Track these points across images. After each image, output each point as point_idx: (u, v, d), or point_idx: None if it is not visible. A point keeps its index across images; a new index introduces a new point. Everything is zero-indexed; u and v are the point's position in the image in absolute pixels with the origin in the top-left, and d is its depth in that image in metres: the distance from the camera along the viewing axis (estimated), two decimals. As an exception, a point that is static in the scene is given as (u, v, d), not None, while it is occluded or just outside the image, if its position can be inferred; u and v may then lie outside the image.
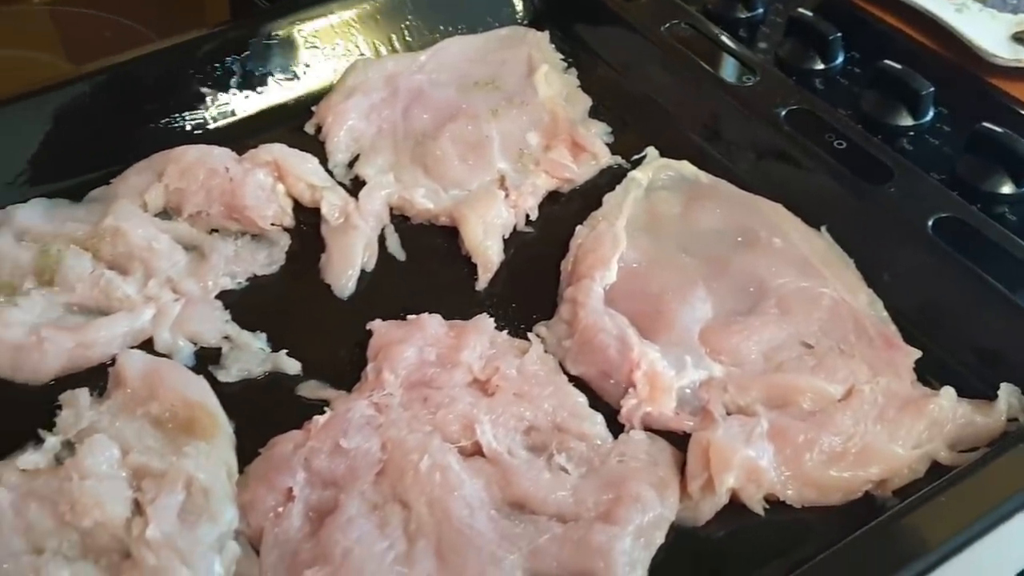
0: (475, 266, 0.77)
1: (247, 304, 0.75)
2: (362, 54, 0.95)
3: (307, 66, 0.93)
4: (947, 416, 0.62)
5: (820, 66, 0.93)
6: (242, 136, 0.86)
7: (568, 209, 0.82)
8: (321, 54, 0.93)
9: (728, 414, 0.64)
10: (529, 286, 0.76)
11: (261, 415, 0.67)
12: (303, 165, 0.82)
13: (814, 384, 0.64)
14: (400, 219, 0.81)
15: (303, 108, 0.90)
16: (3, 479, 0.61)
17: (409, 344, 0.68)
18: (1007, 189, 0.80)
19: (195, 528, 0.59)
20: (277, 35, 0.91)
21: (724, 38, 0.89)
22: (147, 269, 0.75)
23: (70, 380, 0.69)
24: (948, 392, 0.63)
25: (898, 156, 0.77)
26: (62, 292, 0.73)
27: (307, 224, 0.81)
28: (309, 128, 0.89)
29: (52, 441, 0.64)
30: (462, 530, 0.58)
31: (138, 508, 0.60)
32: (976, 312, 0.68)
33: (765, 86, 0.83)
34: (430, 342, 0.68)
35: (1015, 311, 0.67)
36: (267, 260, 0.78)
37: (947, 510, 0.55)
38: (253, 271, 0.77)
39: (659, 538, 0.59)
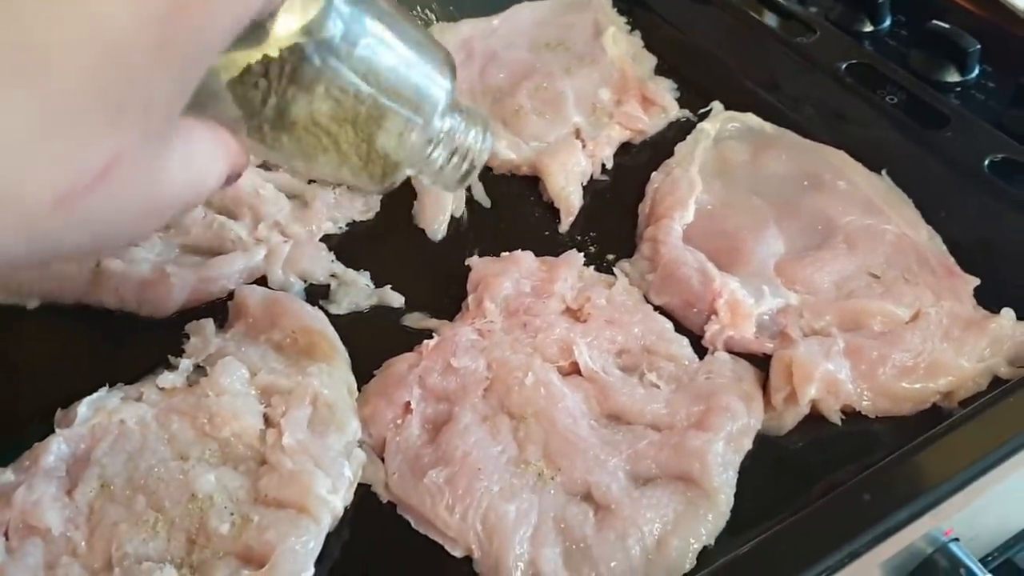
0: (555, 212, 0.83)
1: (348, 246, 0.81)
2: (436, 21, 1.00)
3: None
4: (1007, 334, 0.68)
5: (869, 28, 0.99)
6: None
7: (639, 159, 0.88)
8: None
9: (805, 336, 0.70)
10: (607, 229, 0.82)
11: (371, 343, 0.72)
12: (392, 120, 0.88)
13: (883, 308, 0.70)
14: (484, 169, 0.87)
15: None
16: (145, 396, 0.67)
17: (506, 277, 0.74)
18: (1051, 141, 0.86)
19: (324, 437, 0.65)
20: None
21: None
22: (255, 214, 0.81)
23: (189, 314, 0.75)
24: (1008, 313, 0.69)
25: (954, 104, 0.82)
26: (178, 235, 0.79)
27: (395, 176, 0.87)
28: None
29: (185, 364, 0.69)
30: (567, 436, 0.64)
31: (268, 421, 0.66)
32: (1029, 245, 0.73)
33: (824, 42, 0.88)
34: (525, 275, 0.74)
35: (1066, 243, 0.72)
36: (364, 207, 0.84)
37: (1004, 416, 0.61)
38: (352, 216, 0.83)
39: (747, 444, 0.65)
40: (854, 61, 0.85)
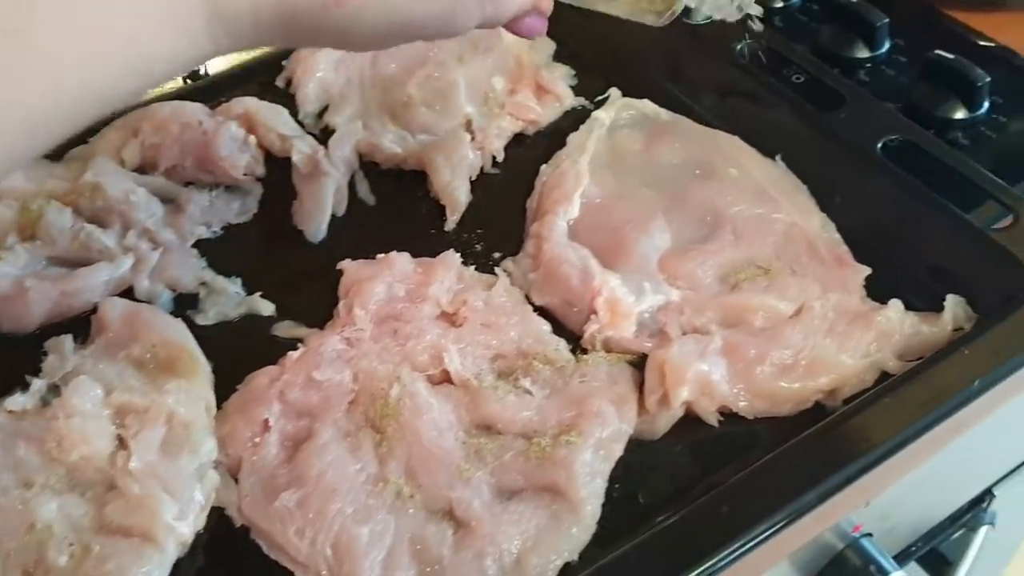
0: (443, 208, 0.79)
1: (222, 252, 0.77)
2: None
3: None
4: (894, 327, 0.65)
5: (779, 4, 0.95)
6: (215, 93, 0.88)
7: (533, 151, 0.84)
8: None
9: (684, 335, 0.67)
10: (496, 225, 0.78)
11: (238, 355, 0.69)
12: (273, 116, 0.84)
13: (765, 302, 0.66)
14: (370, 165, 0.84)
15: (274, 64, 0.92)
16: (-8, 420, 0.64)
17: (378, 281, 0.70)
18: (961, 115, 0.82)
19: (176, 459, 0.62)
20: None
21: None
22: (125, 221, 0.77)
23: (53, 329, 0.72)
24: (895, 304, 0.66)
25: (850, 83, 0.79)
26: (44, 246, 0.76)
27: (279, 174, 0.83)
28: (280, 82, 0.91)
29: (38, 384, 0.66)
30: (431, 449, 0.61)
31: (122, 443, 0.63)
32: (925, 229, 0.70)
33: (721, 23, 0.84)
34: (399, 278, 0.71)
35: (962, 226, 0.69)
36: (241, 209, 0.81)
37: (887, 413, 0.58)
38: (228, 220, 0.80)
39: (618, 450, 0.62)
40: (750, 42, 0.82)
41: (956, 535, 0.85)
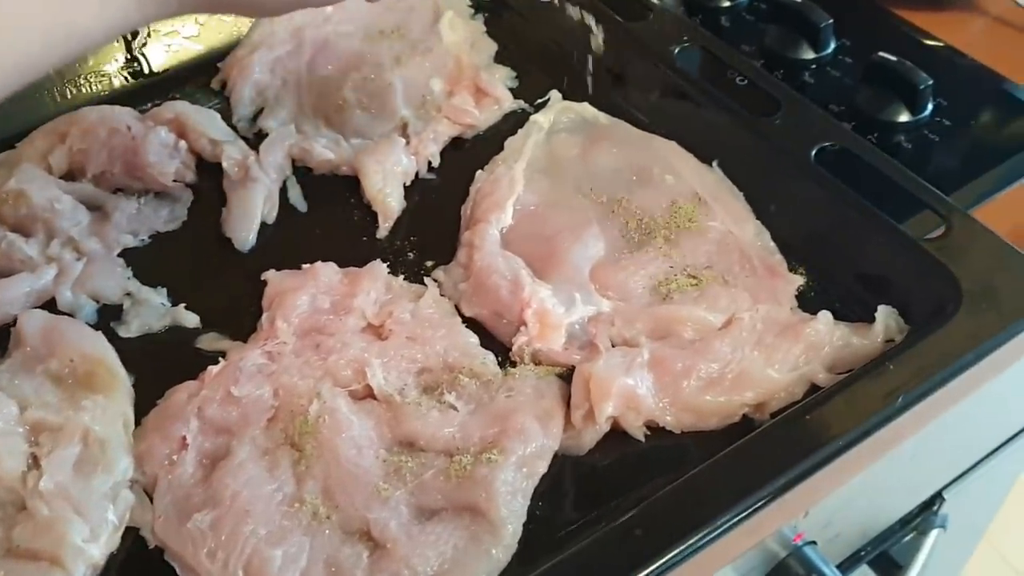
0: (375, 216, 0.78)
1: (149, 261, 0.76)
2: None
3: (213, 22, 0.93)
4: (824, 339, 0.64)
5: (726, 3, 0.94)
6: (148, 96, 0.86)
7: (471, 155, 0.83)
8: (227, 10, 0.93)
9: (614, 347, 0.65)
10: (431, 233, 0.77)
11: (161, 368, 0.68)
12: (205, 121, 0.82)
13: (694, 314, 0.65)
14: (303, 171, 0.82)
15: (210, 65, 0.90)
16: (-99, 440, 0.63)
17: (302, 292, 0.69)
18: (904, 118, 0.81)
19: (90, 479, 0.61)
20: (180, -8, 0.91)
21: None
22: (49, 230, 0.75)
23: (-23, 344, 0.71)
24: (825, 316, 0.65)
25: (787, 88, 0.78)
26: (-36, 256, 0.74)
27: (210, 180, 0.81)
28: (215, 84, 0.89)
29: (-52, 402, 0.65)
30: (349, 469, 0.60)
31: (35, 462, 0.62)
32: (858, 238, 0.69)
33: (660, 25, 0.83)
34: (324, 290, 0.69)
35: (895, 236, 0.68)
36: (169, 217, 0.79)
37: (812, 428, 0.57)
38: (156, 228, 0.78)
39: (542, 467, 0.61)
40: (687, 45, 0.80)
41: (907, 539, 0.85)
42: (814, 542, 0.69)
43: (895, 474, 0.75)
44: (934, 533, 0.85)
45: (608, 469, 0.62)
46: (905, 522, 0.85)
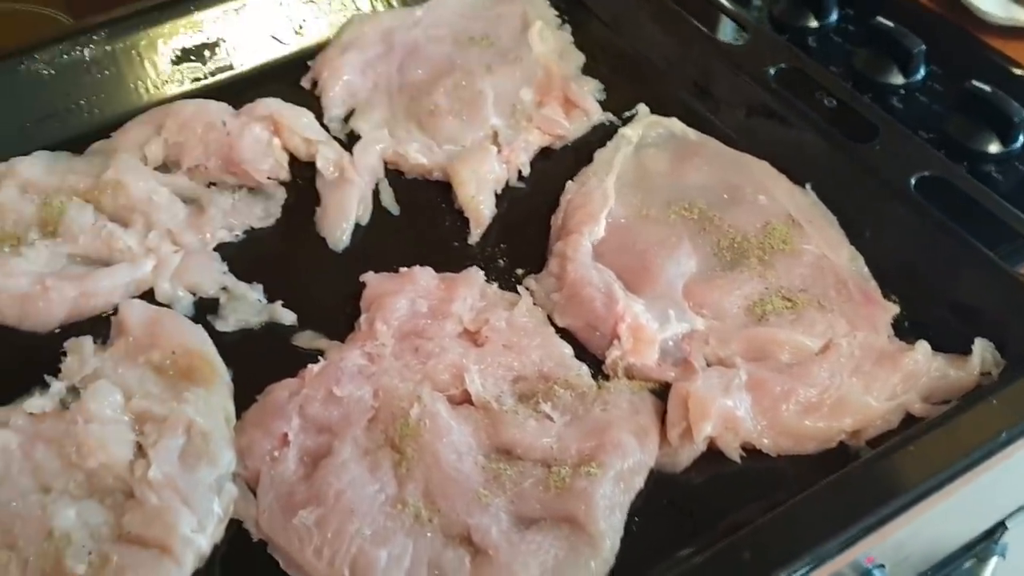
0: (468, 220, 0.79)
1: (244, 256, 0.77)
2: (358, 9, 0.95)
3: (304, 21, 0.94)
4: (921, 369, 0.64)
5: (814, 24, 0.94)
6: (240, 91, 0.87)
7: (560, 165, 0.83)
8: (318, 9, 0.94)
9: (708, 365, 0.66)
10: (520, 240, 0.78)
11: (257, 364, 0.69)
12: (299, 120, 0.83)
13: (792, 338, 0.66)
14: (394, 174, 0.83)
15: (300, 64, 0.91)
16: (11, 422, 0.64)
17: (401, 296, 0.70)
18: (995, 148, 0.82)
19: (195, 470, 0.62)
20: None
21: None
22: (147, 221, 0.77)
23: (74, 328, 0.72)
24: (923, 346, 0.65)
25: (884, 114, 0.78)
26: (65, 243, 0.75)
27: (302, 178, 0.82)
28: (305, 83, 0.90)
29: (58, 386, 0.66)
30: (450, 473, 0.61)
31: (140, 451, 0.63)
32: (955, 269, 0.69)
33: (756, 45, 0.83)
34: (421, 294, 0.70)
35: (993, 268, 0.68)
36: (263, 213, 0.80)
37: (914, 460, 0.58)
38: (250, 224, 0.79)
39: (639, 483, 0.61)
40: (783, 66, 0.81)
41: (967, 565, 0.85)
42: (883, 565, 0.70)
43: (966, 503, 0.75)
44: (993, 560, 0.85)
45: (702, 488, 0.63)
46: (967, 548, 0.85)
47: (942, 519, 0.74)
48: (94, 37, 0.87)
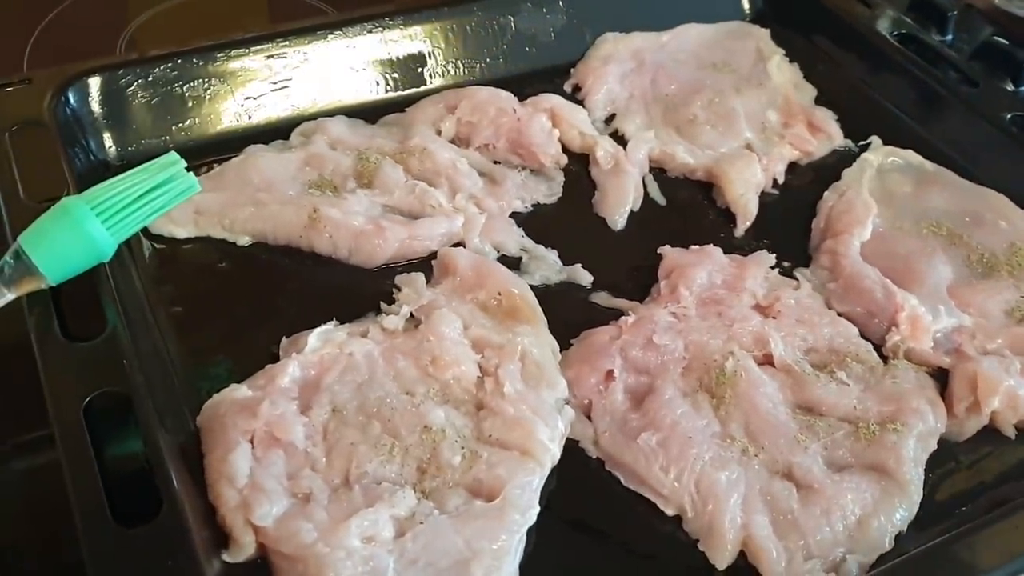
0: (727, 216, 0.88)
1: (534, 225, 0.85)
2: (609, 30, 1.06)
3: (559, 35, 1.04)
4: None
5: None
6: (516, 87, 0.96)
7: (802, 179, 0.93)
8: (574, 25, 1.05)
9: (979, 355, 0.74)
10: (778, 238, 0.86)
11: (561, 315, 0.76)
12: (577, 115, 0.93)
13: (1057, 337, 0.75)
14: (657, 171, 0.92)
15: (565, 69, 1.01)
16: (370, 335, 0.72)
17: (700, 268, 0.78)
18: None
19: (538, 391, 0.69)
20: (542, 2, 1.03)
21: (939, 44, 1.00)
22: (452, 185, 0.85)
23: (389, 270, 0.80)
24: None
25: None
26: (381, 194, 0.84)
27: (572, 167, 0.92)
28: (567, 87, 1.00)
29: (405, 309, 0.74)
30: (768, 418, 0.68)
31: (483, 371, 0.70)
32: None
33: (987, 93, 0.94)
34: (716, 268, 0.79)
35: None
36: (548, 191, 0.89)
37: None
38: (537, 199, 0.88)
39: (933, 445, 0.69)
40: (1020, 113, 0.91)
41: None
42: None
43: None
44: None
45: (979, 459, 0.70)
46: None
47: None
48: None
